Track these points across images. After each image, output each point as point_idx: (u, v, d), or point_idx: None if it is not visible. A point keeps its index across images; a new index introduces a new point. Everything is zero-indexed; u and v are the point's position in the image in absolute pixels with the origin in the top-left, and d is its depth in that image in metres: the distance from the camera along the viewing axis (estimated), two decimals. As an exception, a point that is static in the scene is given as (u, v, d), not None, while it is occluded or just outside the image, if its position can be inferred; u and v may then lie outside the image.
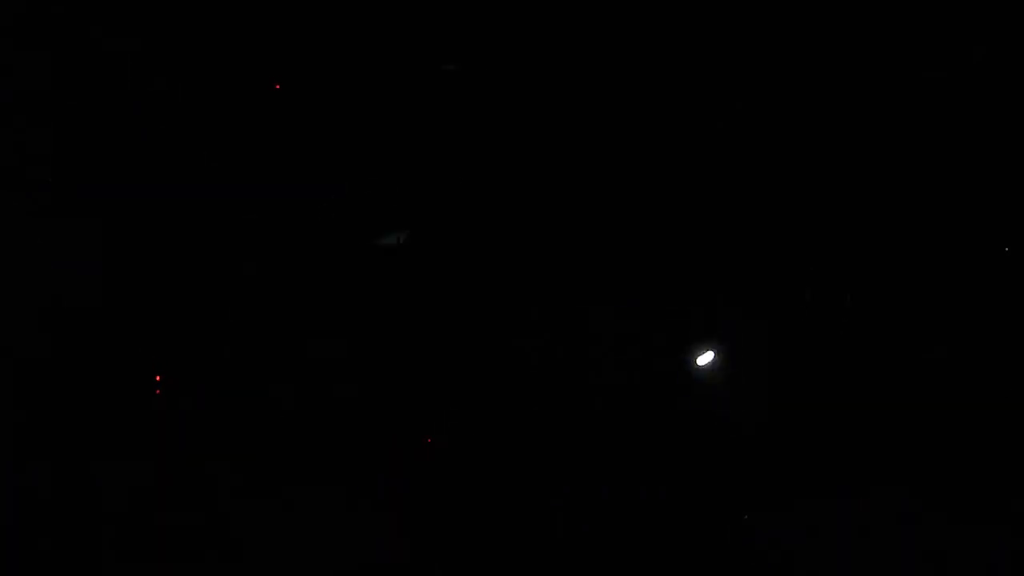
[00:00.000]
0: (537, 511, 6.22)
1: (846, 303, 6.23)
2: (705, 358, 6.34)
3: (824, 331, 6.38)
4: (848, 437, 6.27)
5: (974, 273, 6.34)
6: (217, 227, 6.27)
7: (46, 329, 6.02)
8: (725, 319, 6.40)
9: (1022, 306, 6.30)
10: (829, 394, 6.31)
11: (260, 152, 6.35)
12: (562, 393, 6.35)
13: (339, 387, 6.28)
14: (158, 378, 6.07)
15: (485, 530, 6.19)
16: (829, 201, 6.41)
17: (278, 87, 6.31)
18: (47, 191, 6.12)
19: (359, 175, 6.43)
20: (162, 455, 6.06)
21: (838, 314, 6.38)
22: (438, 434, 6.32)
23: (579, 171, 6.45)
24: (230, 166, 6.30)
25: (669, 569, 6.18)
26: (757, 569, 6.15)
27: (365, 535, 6.07)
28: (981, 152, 6.36)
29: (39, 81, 6.13)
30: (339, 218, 6.38)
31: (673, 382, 6.38)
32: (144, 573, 5.89)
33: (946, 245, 6.36)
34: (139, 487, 6.00)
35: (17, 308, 6.01)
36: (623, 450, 6.32)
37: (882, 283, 6.38)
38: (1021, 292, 6.31)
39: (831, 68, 6.38)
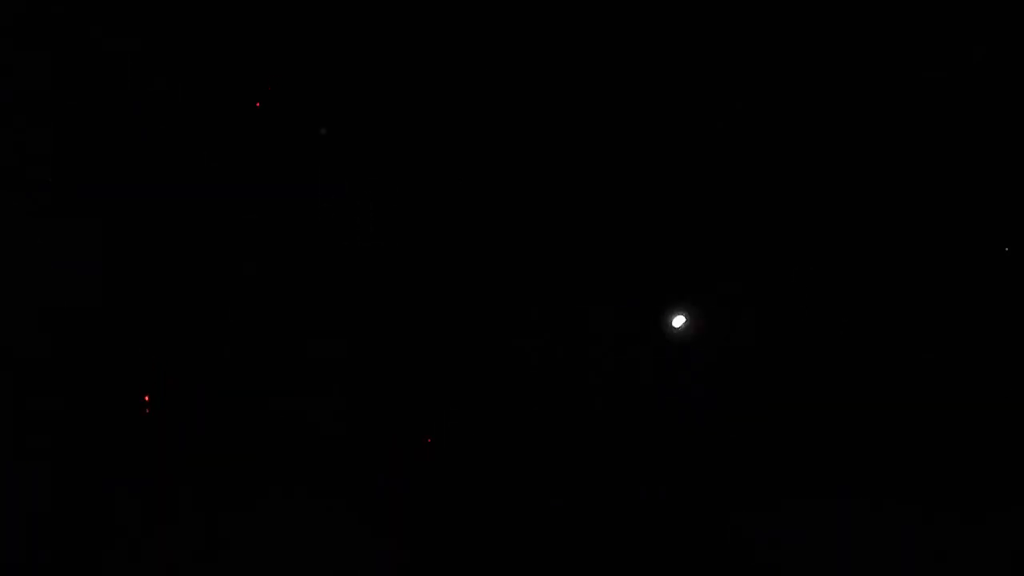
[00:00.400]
0: (537, 511, 6.22)
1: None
2: (678, 322, 6.34)
3: (823, 331, 6.38)
4: (847, 437, 6.27)
5: (974, 273, 6.34)
6: (217, 227, 6.27)
7: (46, 329, 6.02)
8: (724, 318, 6.40)
9: (1022, 306, 6.30)
10: (827, 394, 6.31)
11: (260, 152, 6.35)
12: (562, 393, 6.35)
13: (339, 387, 6.29)
14: (147, 398, 6.07)
15: (485, 530, 6.19)
16: (829, 201, 6.41)
17: (270, 88, 6.31)
18: (47, 191, 6.11)
19: (359, 175, 6.43)
20: (162, 454, 6.07)
21: (838, 312, 6.38)
22: (438, 434, 6.32)
23: (579, 171, 6.45)
24: (230, 166, 6.30)
25: (669, 569, 6.18)
26: (757, 570, 6.15)
27: (365, 535, 6.07)
28: (981, 152, 6.36)
29: (39, 81, 6.13)
30: (339, 218, 6.38)
31: (672, 382, 6.38)
32: (145, 574, 5.89)
33: (946, 245, 6.36)
34: (139, 487, 6.00)
35: (17, 308, 6.01)
36: (623, 450, 6.32)
37: (882, 283, 6.38)
38: (1021, 292, 6.31)
39: (831, 68, 6.38)
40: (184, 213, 6.23)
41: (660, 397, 6.37)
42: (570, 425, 6.34)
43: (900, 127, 6.38)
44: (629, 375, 6.38)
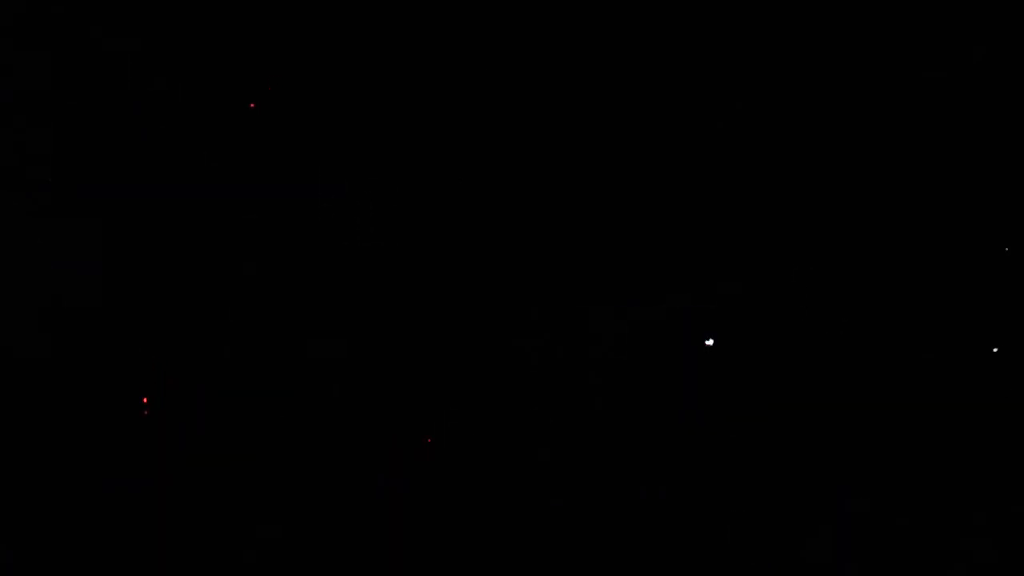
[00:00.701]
0: (537, 511, 6.22)
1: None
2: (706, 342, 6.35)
3: (823, 331, 6.37)
4: (846, 437, 6.26)
5: (974, 273, 6.34)
6: (217, 227, 6.26)
7: (46, 329, 6.02)
8: (724, 318, 6.40)
9: (1022, 306, 6.30)
10: (827, 394, 6.31)
11: (260, 152, 6.34)
12: (562, 393, 6.35)
13: (339, 387, 6.28)
14: (145, 400, 6.07)
15: (485, 530, 6.18)
16: (829, 201, 6.41)
17: (270, 88, 6.31)
18: (47, 191, 6.11)
19: (359, 175, 6.42)
20: (162, 454, 6.06)
21: (839, 313, 6.38)
22: (438, 434, 6.31)
23: (579, 171, 6.45)
24: (230, 166, 6.30)
25: (669, 569, 6.18)
26: (757, 569, 6.15)
27: (365, 535, 6.07)
28: (981, 152, 6.35)
29: (39, 81, 6.13)
30: (339, 218, 6.38)
31: (672, 382, 6.37)
32: (145, 574, 5.89)
33: (946, 245, 6.36)
34: (139, 487, 5.99)
35: (17, 308, 6.01)
36: (623, 450, 6.32)
37: (882, 283, 6.38)
38: (1021, 292, 6.31)
39: (831, 68, 6.38)
40: (184, 213, 6.23)
41: (660, 397, 6.36)
42: (570, 425, 6.34)
43: (900, 127, 6.38)
44: (629, 375, 6.37)
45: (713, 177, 6.44)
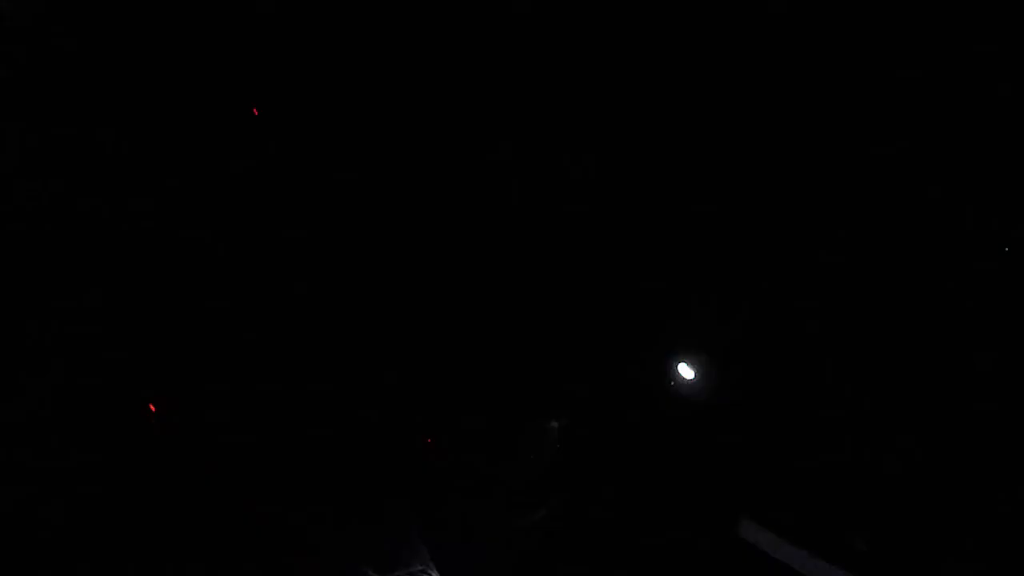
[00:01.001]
0: (537, 510, 6.23)
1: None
2: (692, 367, 6.37)
3: (822, 331, 6.39)
4: (847, 436, 6.28)
5: (974, 273, 6.34)
6: (217, 227, 6.28)
7: (46, 329, 6.03)
8: (725, 319, 6.42)
9: (1022, 306, 6.31)
10: (827, 393, 6.32)
11: (260, 152, 6.36)
12: (561, 393, 6.37)
13: (340, 388, 6.30)
14: (152, 407, 6.09)
15: (485, 530, 6.20)
16: (829, 201, 6.42)
17: (269, 90, 6.33)
18: (47, 190, 6.13)
19: (359, 175, 6.44)
20: (163, 456, 6.08)
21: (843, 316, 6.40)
22: (438, 434, 6.33)
23: (579, 171, 6.46)
24: (230, 166, 6.31)
25: (670, 570, 6.19)
26: (757, 569, 6.17)
27: (365, 535, 6.09)
28: (981, 152, 6.36)
29: (40, 80, 6.14)
30: (339, 218, 6.39)
31: (672, 383, 6.39)
32: (145, 573, 5.91)
33: (946, 245, 6.37)
34: (140, 487, 6.01)
35: (17, 308, 6.02)
36: (622, 451, 6.33)
37: (881, 283, 6.39)
38: (1021, 292, 6.31)
39: (831, 68, 6.39)
40: (184, 213, 6.24)
41: (661, 397, 6.38)
42: (570, 425, 6.35)
43: (900, 127, 6.39)
44: (631, 376, 6.39)
45: (713, 177, 6.45)
